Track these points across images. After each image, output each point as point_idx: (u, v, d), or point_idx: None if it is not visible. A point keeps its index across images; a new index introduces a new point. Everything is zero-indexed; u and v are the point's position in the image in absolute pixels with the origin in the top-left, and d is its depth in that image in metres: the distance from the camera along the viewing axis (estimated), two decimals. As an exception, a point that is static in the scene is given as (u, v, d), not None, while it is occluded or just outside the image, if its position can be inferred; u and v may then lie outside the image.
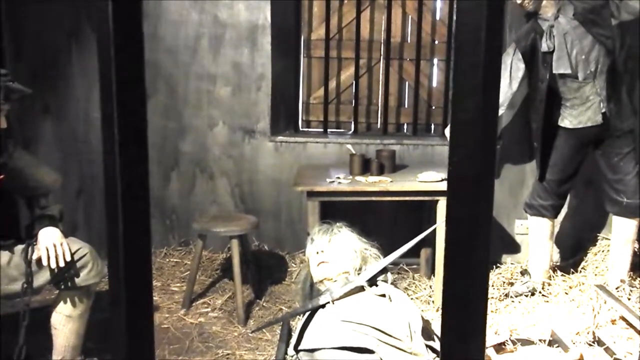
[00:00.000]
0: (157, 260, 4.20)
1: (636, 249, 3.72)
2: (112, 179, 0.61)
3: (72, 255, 2.56)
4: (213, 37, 4.17)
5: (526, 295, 3.66)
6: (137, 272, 0.64)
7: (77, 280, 2.61)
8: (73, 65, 4.05)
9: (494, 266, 4.08)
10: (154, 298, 3.68)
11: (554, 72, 3.40)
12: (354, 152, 3.85)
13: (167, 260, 4.22)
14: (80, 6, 3.93)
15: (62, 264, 2.53)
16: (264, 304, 3.69)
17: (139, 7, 0.58)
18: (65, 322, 2.67)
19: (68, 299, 2.65)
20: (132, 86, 0.60)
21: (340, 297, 2.56)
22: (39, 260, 2.53)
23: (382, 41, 4.38)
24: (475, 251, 0.57)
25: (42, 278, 2.57)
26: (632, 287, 3.58)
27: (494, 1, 0.55)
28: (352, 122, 4.48)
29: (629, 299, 3.44)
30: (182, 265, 4.16)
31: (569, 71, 3.38)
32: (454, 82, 0.57)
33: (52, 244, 2.52)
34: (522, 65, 3.51)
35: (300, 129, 4.53)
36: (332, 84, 4.45)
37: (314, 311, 2.59)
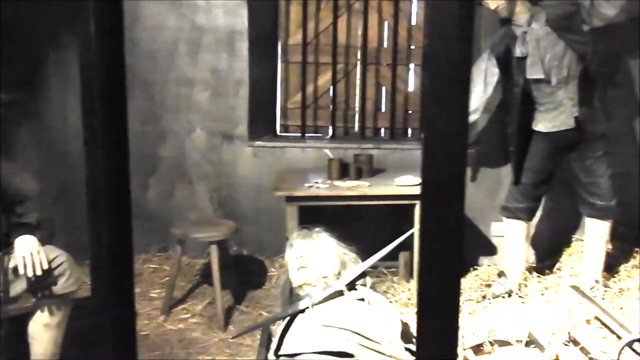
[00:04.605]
0: (136, 266, 4.17)
1: (609, 250, 3.79)
2: (93, 184, 0.62)
3: (49, 263, 2.54)
4: (191, 42, 4.17)
5: (503, 297, 3.70)
6: (120, 279, 0.65)
7: (54, 288, 2.59)
8: (52, 70, 4.02)
9: (472, 268, 4.12)
10: (133, 305, 3.67)
11: (527, 77, 3.46)
12: (332, 156, 3.87)
13: (146, 266, 4.20)
14: (59, 12, 3.90)
15: (38, 273, 2.50)
16: (244, 309, 3.69)
17: (120, 11, 0.59)
18: (43, 331, 2.64)
19: (46, 308, 2.63)
20: (113, 92, 0.61)
21: (320, 302, 2.57)
22: (15, 269, 2.51)
23: (359, 46, 4.42)
24: (449, 255, 0.59)
25: (18, 287, 2.55)
26: (606, 287, 3.64)
27: (464, 11, 0.57)
28: (330, 127, 4.50)
29: (603, 299, 3.51)
30: (161, 271, 4.14)
31: (542, 76, 3.44)
32: (424, 88, 0.59)
33: (28, 252, 2.49)
34: (496, 71, 3.57)
35: (279, 134, 4.54)
36: (310, 89, 4.47)
37: (293, 316, 2.60)
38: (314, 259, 2.72)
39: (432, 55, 0.58)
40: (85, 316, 2.86)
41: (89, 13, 0.58)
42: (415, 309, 0.60)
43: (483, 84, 3.59)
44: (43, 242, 2.61)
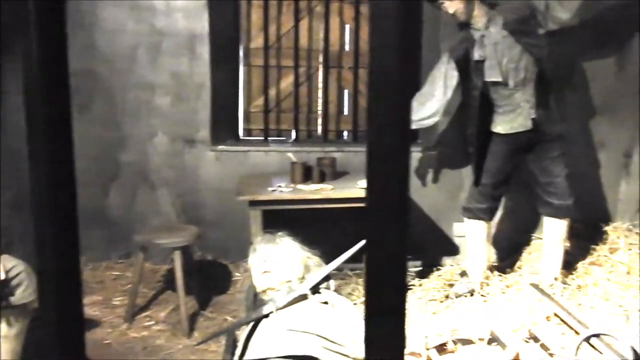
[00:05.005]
0: (98, 273, 4.11)
1: (567, 248, 3.88)
2: (37, 192, 0.61)
3: (6, 273, 2.49)
4: (151, 46, 4.12)
5: (466, 296, 3.76)
6: (66, 289, 0.65)
7: (12, 299, 2.54)
8: (9, 75, 3.93)
9: (434, 268, 4.18)
10: (95, 313, 3.62)
11: (485, 80, 3.52)
12: (295, 160, 3.87)
13: (108, 273, 4.14)
14: (16, 13, 3.81)
15: (-4, 283, 2.45)
16: (208, 315, 3.66)
17: (63, 13, 0.58)
18: (1, 343, 2.58)
19: (3, 319, 2.57)
20: (57, 99, 0.60)
21: (284, 306, 2.57)
22: (-29, 280, 2.45)
23: (321, 49, 4.44)
24: (394, 261, 0.60)
25: (-25, 298, 2.49)
26: (565, 284, 3.73)
27: (407, 12, 0.58)
28: (293, 130, 4.51)
29: (562, 296, 3.59)
30: (123, 279, 4.08)
31: (500, 79, 3.50)
32: (368, 89, 0.60)
33: (-16, 263, 2.44)
34: (455, 74, 3.62)
35: (241, 138, 4.52)
36: (272, 92, 4.47)
37: (258, 321, 2.59)
38: (277, 263, 2.71)
39: (375, 71, 0.59)
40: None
41: (30, 15, 0.57)
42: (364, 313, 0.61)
43: (443, 87, 3.64)
44: (0, 251, 2.56)
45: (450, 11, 3.53)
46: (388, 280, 0.60)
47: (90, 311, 3.61)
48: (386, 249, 0.59)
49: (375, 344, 0.60)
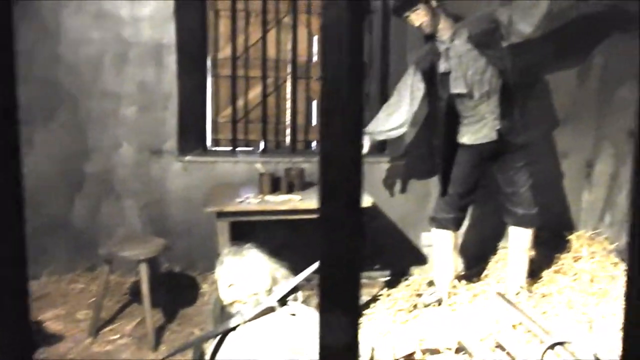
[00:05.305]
0: (62, 286, 4.03)
1: (532, 256, 3.93)
2: None
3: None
4: (116, 55, 4.08)
5: (433, 306, 3.78)
6: (13, 301, 0.63)
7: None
8: None
9: (403, 278, 4.20)
10: (58, 327, 3.54)
11: (451, 92, 3.57)
12: (263, 171, 3.86)
13: (72, 286, 4.06)
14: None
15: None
16: (176, 328, 3.62)
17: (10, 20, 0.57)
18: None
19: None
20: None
21: (251, 319, 2.55)
22: None
23: (289, 60, 4.44)
24: (348, 275, 0.60)
25: None
26: (530, 292, 3.78)
27: (354, 28, 0.58)
28: (261, 141, 4.50)
29: (527, 305, 3.64)
30: (88, 292, 4.01)
31: (465, 91, 3.55)
32: (320, 101, 0.60)
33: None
34: (422, 85, 3.66)
35: (209, 148, 4.50)
36: (240, 103, 4.46)
37: (225, 334, 2.57)
38: (244, 276, 2.70)
39: (327, 82, 0.59)
40: None
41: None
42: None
43: (410, 98, 3.68)
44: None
45: (416, 24, 3.56)
46: (341, 291, 0.60)
47: (53, 325, 3.54)
48: (339, 260, 0.59)
49: (329, 355, 0.60)
